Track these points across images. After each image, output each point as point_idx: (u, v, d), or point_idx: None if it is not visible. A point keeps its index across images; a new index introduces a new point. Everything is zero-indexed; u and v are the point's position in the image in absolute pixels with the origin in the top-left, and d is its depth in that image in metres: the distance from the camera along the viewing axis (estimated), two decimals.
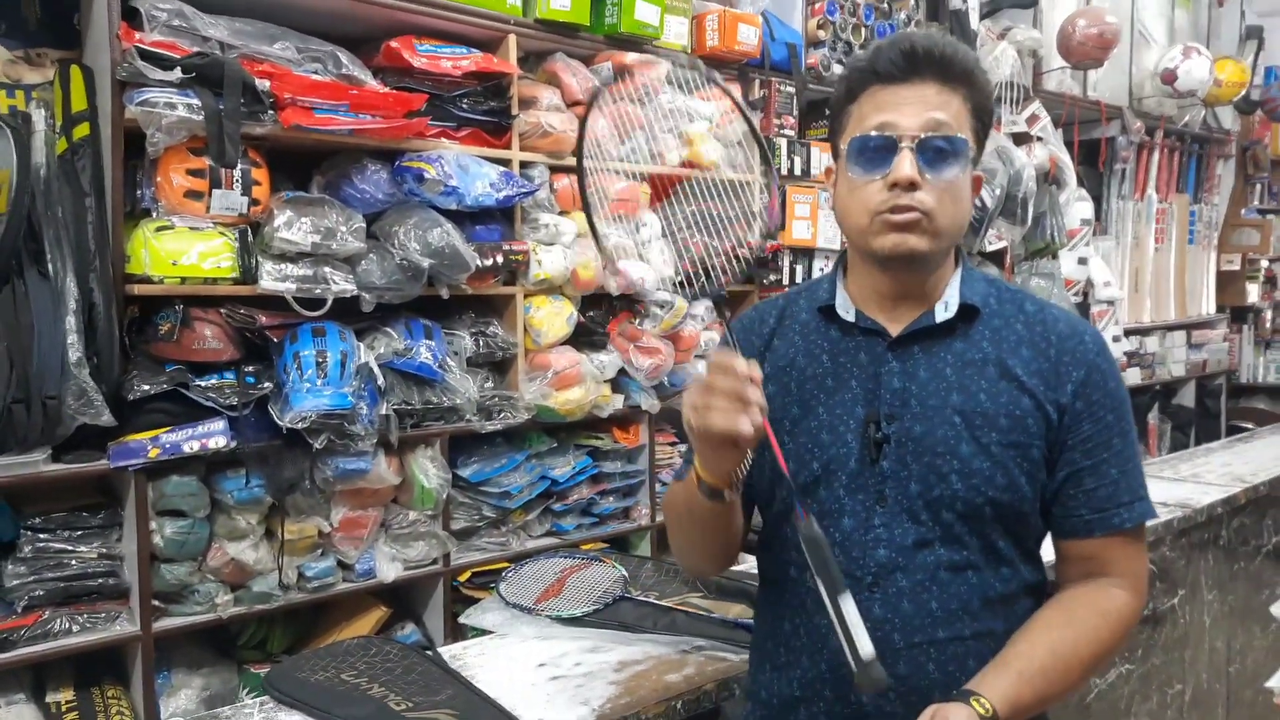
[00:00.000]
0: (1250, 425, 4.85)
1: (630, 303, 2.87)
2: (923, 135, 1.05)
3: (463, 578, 2.51)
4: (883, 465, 1.08)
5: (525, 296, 2.65)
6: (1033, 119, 4.09)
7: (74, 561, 2.02)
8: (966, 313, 1.12)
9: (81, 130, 2.04)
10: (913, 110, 1.05)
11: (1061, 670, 1.04)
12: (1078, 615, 1.08)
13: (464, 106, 2.50)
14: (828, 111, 1.17)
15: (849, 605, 0.97)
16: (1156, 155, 5.02)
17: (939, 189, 1.06)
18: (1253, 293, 5.85)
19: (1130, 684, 2.21)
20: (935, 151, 1.05)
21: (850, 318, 1.14)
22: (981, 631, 1.07)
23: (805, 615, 1.13)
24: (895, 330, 1.12)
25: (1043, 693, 1.03)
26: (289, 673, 1.39)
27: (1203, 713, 2.48)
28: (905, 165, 1.04)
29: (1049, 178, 4.12)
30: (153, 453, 2.01)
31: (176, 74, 2.02)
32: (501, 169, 2.51)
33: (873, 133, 1.06)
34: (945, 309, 1.12)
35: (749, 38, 3.03)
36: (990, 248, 3.97)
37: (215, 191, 2.09)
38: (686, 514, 1.15)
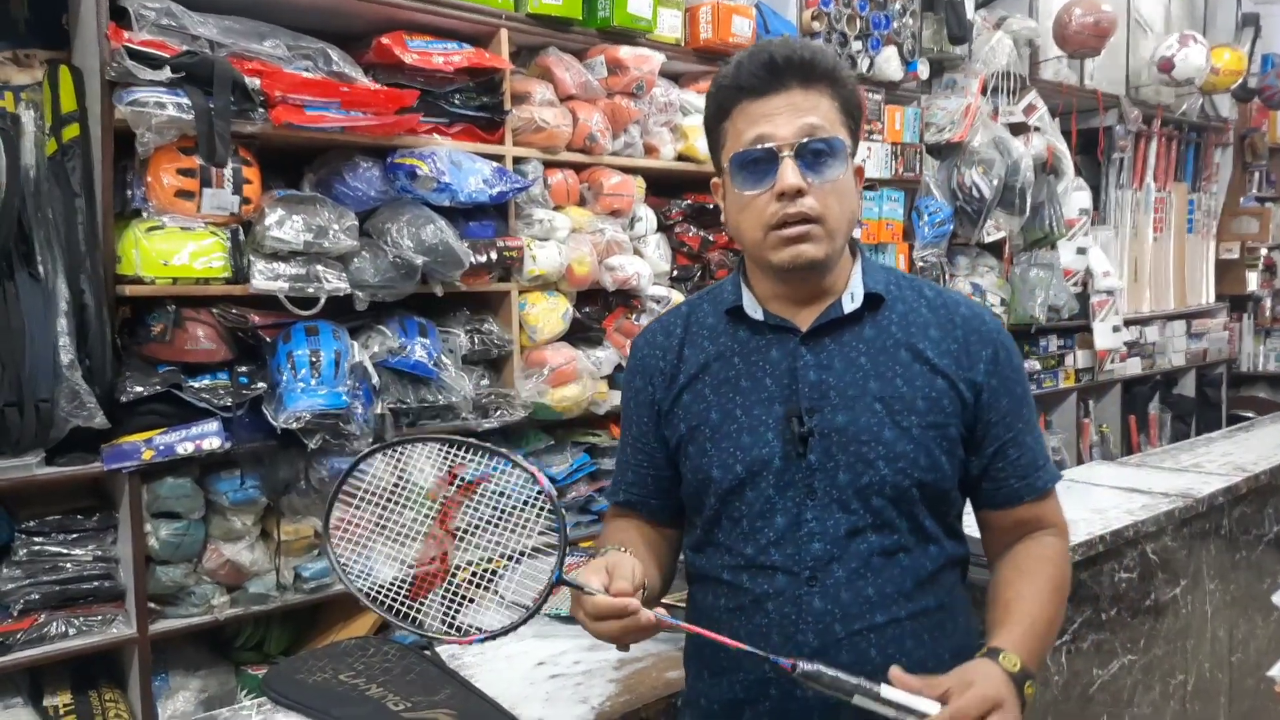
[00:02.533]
0: (1251, 414, 4.84)
1: (626, 298, 2.86)
2: (799, 141, 1.07)
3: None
4: (810, 459, 1.10)
5: (520, 293, 2.63)
6: (1030, 109, 4.08)
7: (69, 565, 2.01)
8: (872, 301, 1.15)
9: (71, 131, 2.03)
10: (785, 119, 1.08)
11: (1046, 620, 1.12)
12: (1031, 567, 1.15)
13: (456, 102, 2.49)
14: (705, 131, 1.19)
15: (888, 690, 0.98)
16: (1154, 144, 5.01)
17: (825, 191, 1.08)
18: (1252, 281, 5.85)
19: (1133, 675, 2.19)
20: (814, 155, 1.08)
21: (759, 316, 1.16)
22: (916, 611, 1.10)
23: (744, 616, 1.13)
24: (804, 325, 1.14)
25: (1045, 639, 1.11)
26: (287, 674, 1.38)
27: (1205, 702, 2.48)
28: (789, 174, 1.07)
29: (1046, 167, 4.11)
30: (146, 454, 2.00)
31: (166, 73, 2.01)
32: (495, 165, 2.49)
33: (752, 147, 1.08)
34: (852, 299, 1.14)
35: (743, 30, 3.01)
36: (989, 238, 3.96)
37: (206, 191, 2.08)
38: None
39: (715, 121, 1.14)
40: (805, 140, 1.07)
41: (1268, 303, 6.13)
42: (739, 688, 1.14)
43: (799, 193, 1.07)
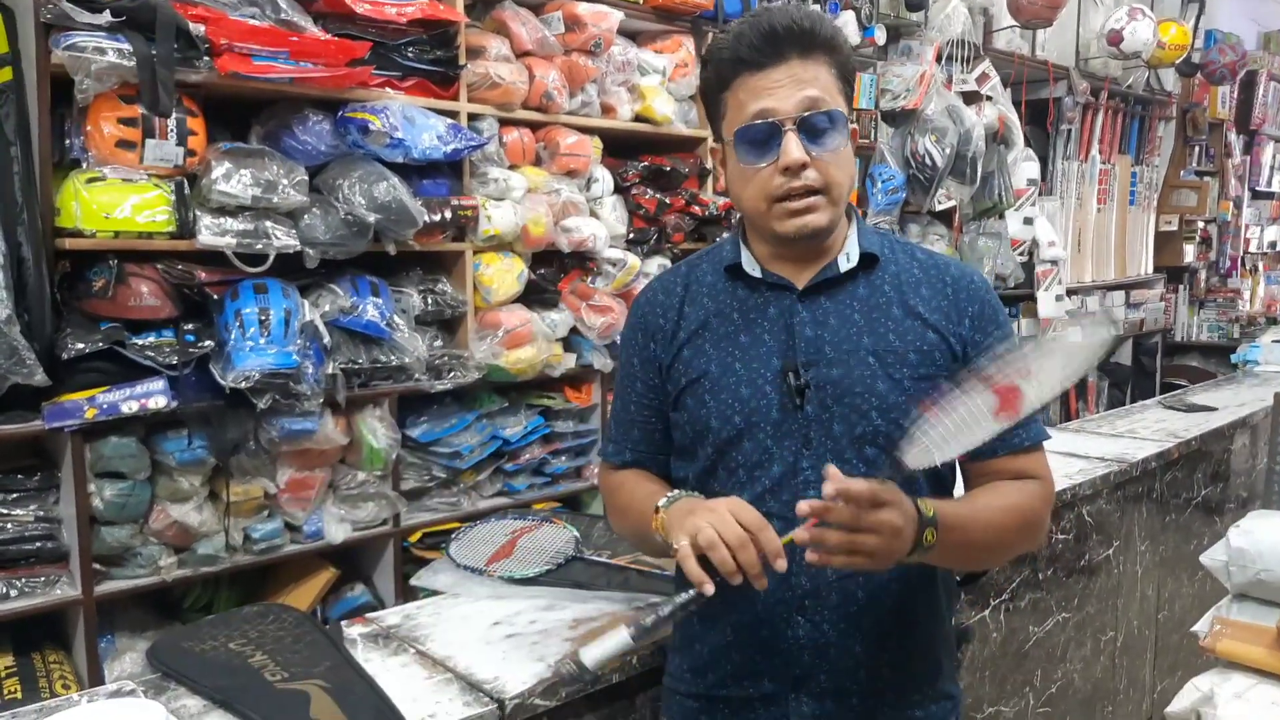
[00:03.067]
0: (1184, 382, 5.01)
1: (582, 260, 2.84)
2: (801, 115, 1.09)
3: (413, 539, 2.49)
4: (806, 410, 1.13)
5: (474, 253, 2.60)
6: (983, 78, 4.12)
7: (9, 525, 1.96)
8: (866, 261, 1.18)
9: (3, 75, 1.94)
10: (786, 92, 1.10)
11: (985, 516, 1.13)
12: (998, 487, 1.18)
13: (409, 55, 2.43)
14: (702, 99, 1.18)
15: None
16: (1101, 116, 5.10)
17: (826, 161, 1.11)
18: (1189, 253, 6.01)
19: (1066, 631, 2.28)
20: (816, 127, 1.10)
21: (756, 274, 1.19)
22: None
23: None
24: (801, 283, 1.17)
25: (972, 523, 1.11)
26: (176, 642, 1.37)
27: (1133, 657, 2.59)
28: (793, 149, 1.09)
29: (997, 137, 4.16)
30: (89, 413, 1.95)
31: (105, 17, 1.93)
32: (449, 121, 2.45)
33: (755, 121, 1.11)
34: (848, 259, 1.18)
35: None
36: (939, 207, 4.01)
37: (148, 141, 2.01)
38: (638, 529, 1.21)
39: (715, 91, 1.16)
40: (807, 114, 1.09)
41: (1202, 274, 6.32)
42: (729, 630, 1.17)
43: (803, 166, 1.09)
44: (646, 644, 1.01)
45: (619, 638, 1.01)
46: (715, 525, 1.02)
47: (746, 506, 1.05)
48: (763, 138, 1.10)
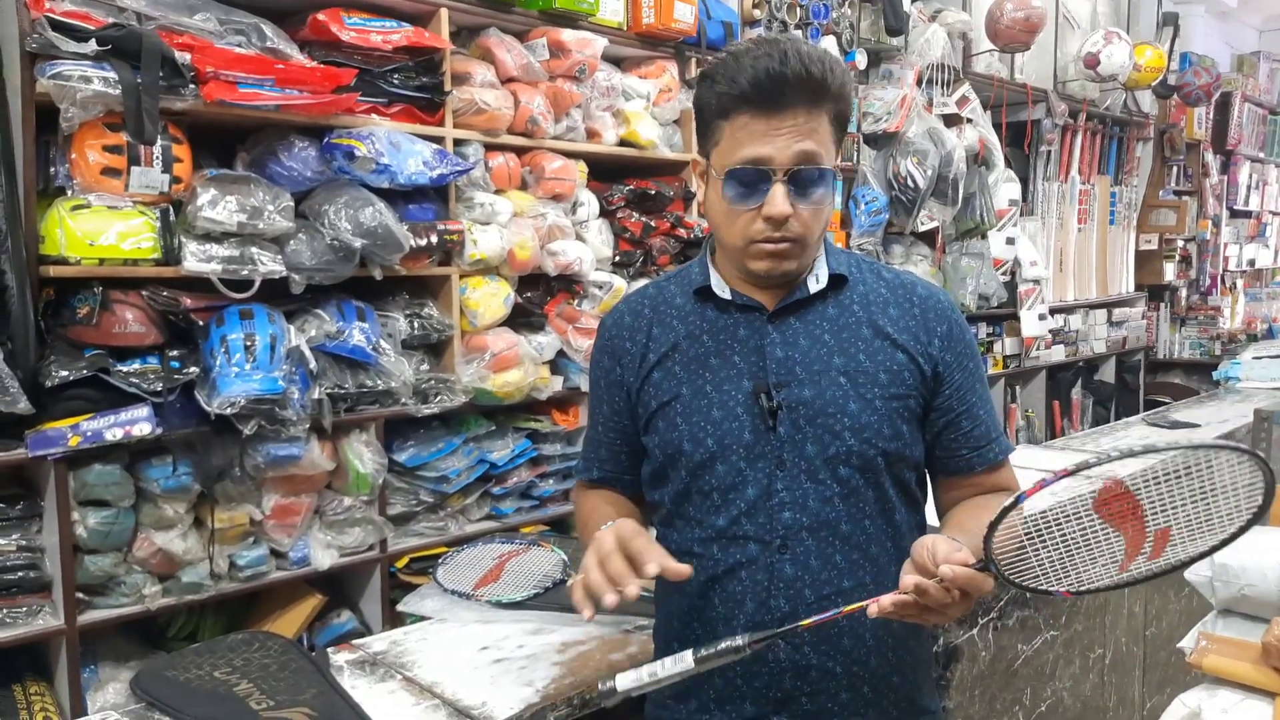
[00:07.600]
0: (1167, 400, 5.05)
1: (568, 283, 2.85)
2: (793, 168, 1.09)
3: (400, 564, 2.48)
4: (779, 432, 1.14)
5: (461, 277, 2.61)
6: (963, 101, 4.17)
7: None
8: (835, 282, 1.19)
9: None
10: (784, 141, 1.08)
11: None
12: (985, 502, 1.17)
13: (395, 82, 2.45)
14: (695, 112, 1.19)
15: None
16: (1079, 137, 5.17)
17: (808, 213, 1.11)
18: (1169, 271, 6.08)
19: (1054, 649, 2.29)
20: (805, 181, 1.10)
21: (726, 296, 1.20)
22: (880, 576, 1.15)
23: (718, 585, 1.17)
24: (771, 304, 1.18)
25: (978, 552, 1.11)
26: (156, 672, 1.36)
27: (1121, 674, 2.59)
28: (779, 201, 1.09)
29: (978, 159, 4.21)
30: (73, 441, 1.93)
31: (91, 46, 1.94)
32: (435, 146, 2.46)
33: (747, 166, 1.09)
34: (817, 281, 1.19)
35: (685, 16, 3.02)
36: (922, 228, 4.05)
37: (134, 169, 2.02)
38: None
39: (713, 115, 1.13)
40: (799, 168, 1.09)
41: (1183, 292, 6.39)
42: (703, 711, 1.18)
43: (785, 218, 1.09)
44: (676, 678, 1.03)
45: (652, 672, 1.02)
46: (593, 551, 1.06)
47: (625, 532, 1.06)
48: (751, 182, 1.09)
